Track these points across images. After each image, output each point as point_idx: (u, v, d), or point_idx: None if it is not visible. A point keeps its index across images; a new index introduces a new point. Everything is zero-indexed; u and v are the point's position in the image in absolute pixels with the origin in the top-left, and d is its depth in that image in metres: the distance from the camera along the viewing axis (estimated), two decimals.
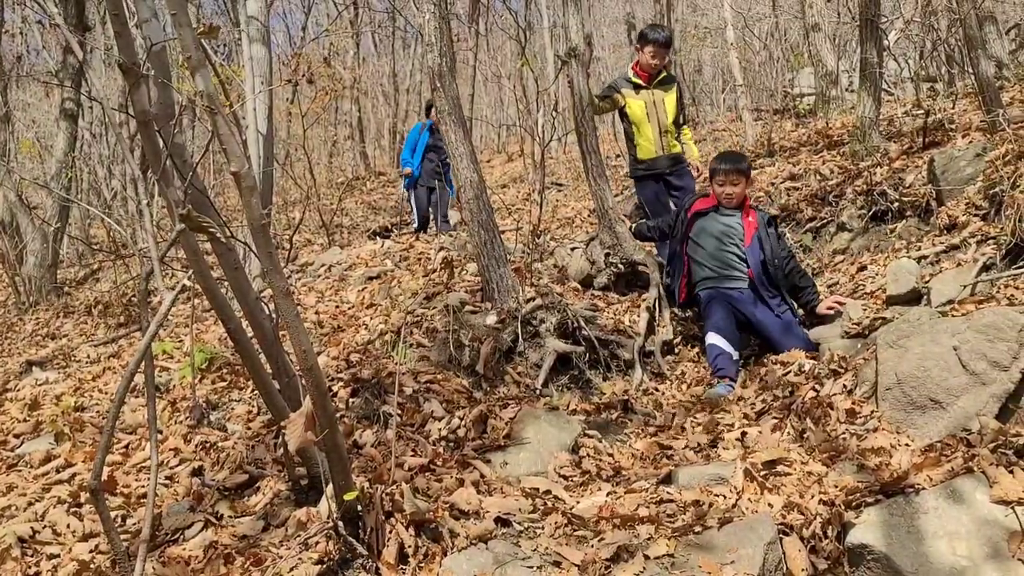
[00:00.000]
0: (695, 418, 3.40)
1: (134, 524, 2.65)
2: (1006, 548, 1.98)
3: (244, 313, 2.39)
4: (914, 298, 3.87)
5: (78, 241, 10.84)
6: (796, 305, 4.31)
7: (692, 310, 4.72)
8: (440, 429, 3.19)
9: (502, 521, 2.36)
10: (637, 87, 5.36)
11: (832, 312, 4.13)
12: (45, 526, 2.65)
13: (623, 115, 5.49)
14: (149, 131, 2.00)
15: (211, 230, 1.95)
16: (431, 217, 8.77)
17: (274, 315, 2.40)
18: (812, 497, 2.36)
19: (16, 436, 3.65)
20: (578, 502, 2.59)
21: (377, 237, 8.57)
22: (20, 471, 3.20)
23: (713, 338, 4.02)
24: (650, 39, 5.30)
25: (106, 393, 4.31)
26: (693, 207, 4.59)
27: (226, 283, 2.39)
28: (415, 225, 8.80)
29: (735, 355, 3.95)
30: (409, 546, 2.16)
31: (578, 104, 4.99)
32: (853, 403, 2.95)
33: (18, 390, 4.66)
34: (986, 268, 3.76)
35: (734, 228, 4.40)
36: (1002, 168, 4.19)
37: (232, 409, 3.59)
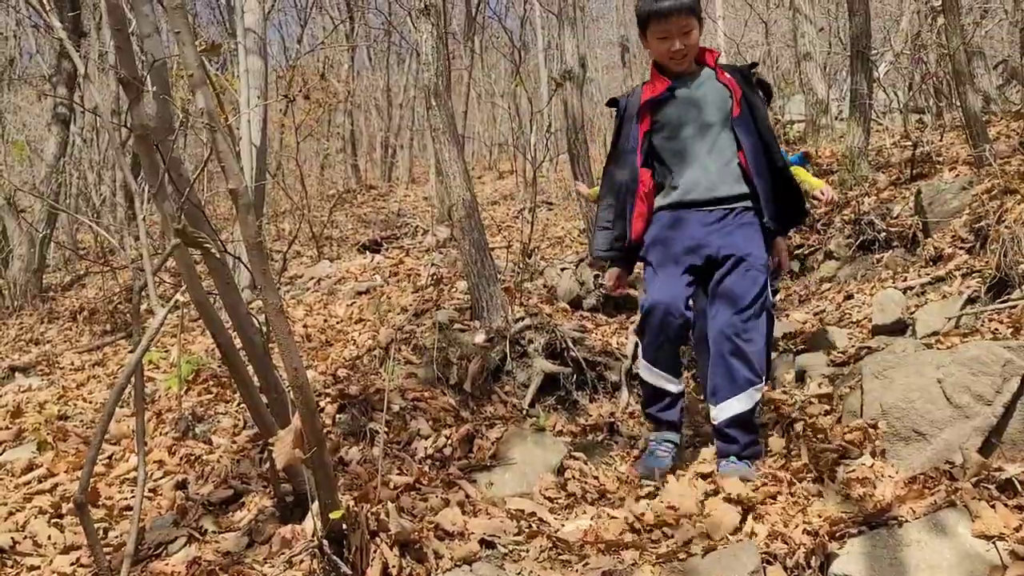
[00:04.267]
0: None
1: (116, 537, 2.62)
2: None
3: (234, 327, 2.38)
4: (899, 328, 3.91)
5: (65, 246, 10.75)
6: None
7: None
8: (426, 447, 3.20)
9: (487, 543, 2.36)
10: None
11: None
12: (26, 537, 2.62)
13: None
14: (147, 146, 2.01)
15: (206, 245, 1.96)
16: None
17: (264, 329, 2.39)
18: (796, 527, 2.37)
19: None
20: (563, 525, 2.59)
21: (367, 251, 8.56)
22: (1, 480, 3.17)
23: (642, 369, 3.00)
24: None
25: (90, 402, 4.28)
26: (643, 100, 2.88)
27: (216, 295, 2.39)
28: None
29: (675, 386, 2.92)
30: (393, 566, 2.15)
31: (571, 126, 5.04)
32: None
33: (0, 396, 4.61)
34: (971, 301, 3.81)
35: (712, 95, 2.85)
36: (988, 202, 4.26)
37: (218, 422, 3.57)
